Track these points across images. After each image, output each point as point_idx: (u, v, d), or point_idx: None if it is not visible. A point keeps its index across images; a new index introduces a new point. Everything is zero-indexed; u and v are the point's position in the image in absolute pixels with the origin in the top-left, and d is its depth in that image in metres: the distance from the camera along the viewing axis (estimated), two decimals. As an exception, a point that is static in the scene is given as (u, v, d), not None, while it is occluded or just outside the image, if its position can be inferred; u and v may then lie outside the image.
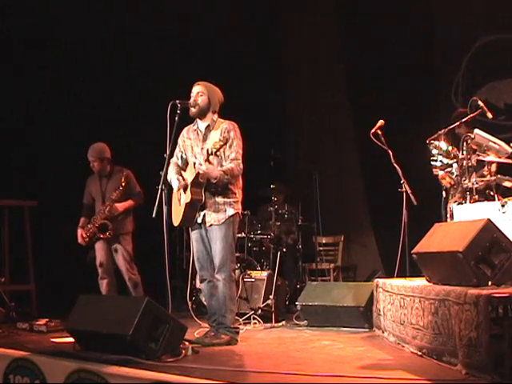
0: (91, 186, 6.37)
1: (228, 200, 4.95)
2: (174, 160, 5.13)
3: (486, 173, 5.32)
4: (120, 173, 6.31)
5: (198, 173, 4.81)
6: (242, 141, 5.04)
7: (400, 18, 7.92)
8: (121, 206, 6.23)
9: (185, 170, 5.07)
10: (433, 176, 5.74)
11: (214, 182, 4.84)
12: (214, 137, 4.94)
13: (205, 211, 4.92)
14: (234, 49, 8.85)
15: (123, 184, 6.23)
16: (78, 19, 7.93)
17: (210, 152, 4.78)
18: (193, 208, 4.90)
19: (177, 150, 5.15)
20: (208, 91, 5.04)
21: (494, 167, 5.38)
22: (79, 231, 6.27)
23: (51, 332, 5.53)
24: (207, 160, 4.82)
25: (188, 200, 4.87)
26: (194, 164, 4.89)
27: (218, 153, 4.81)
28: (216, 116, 5.08)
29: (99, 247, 6.26)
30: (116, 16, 8.12)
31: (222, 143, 4.77)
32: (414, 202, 5.69)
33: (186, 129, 5.18)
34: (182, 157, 5.13)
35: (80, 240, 6.26)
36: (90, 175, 6.40)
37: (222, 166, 4.93)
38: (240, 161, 4.97)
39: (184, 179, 4.97)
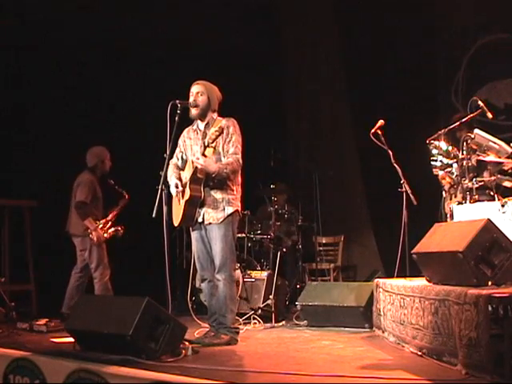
0: (96, 187, 6.43)
1: (226, 197, 4.92)
2: (173, 161, 5.12)
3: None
4: None
5: (196, 168, 4.78)
6: (241, 137, 5.01)
7: (400, 18, 7.92)
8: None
9: (184, 170, 5.07)
10: (433, 176, 5.74)
11: (214, 175, 4.82)
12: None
13: (204, 209, 4.90)
14: (234, 48, 8.85)
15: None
16: (79, 19, 7.92)
17: (206, 144, 4.77)
18: (192, 205, 4.88)
19: (177, 150, 5.14)
20: (207, 90, 5.02)
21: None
22: (100, 232, 6.30)
23: (51, 332, 5.53)
24: (203, 154, 4.79)
25: (187, 197, 4.85)
26: (193, 161, 4.86)
27: (213, 144, 4.76)
28: (216, 114, 5.07)
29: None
30: (116, 16, 8.11)
31: (217, 133, 4.73)
32: (414, 202, 5.69)
33: (186, 129, 5.17)
34: (182, 157, 5.13)
35: (103, 239, 6.32)
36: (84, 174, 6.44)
37: (221, 161, 4.90)
38: (239, 156, 4.93)
39: (182, 182, 4.94)
